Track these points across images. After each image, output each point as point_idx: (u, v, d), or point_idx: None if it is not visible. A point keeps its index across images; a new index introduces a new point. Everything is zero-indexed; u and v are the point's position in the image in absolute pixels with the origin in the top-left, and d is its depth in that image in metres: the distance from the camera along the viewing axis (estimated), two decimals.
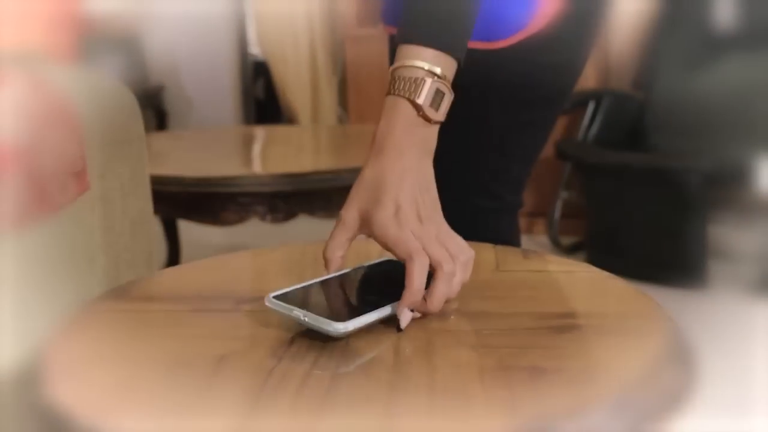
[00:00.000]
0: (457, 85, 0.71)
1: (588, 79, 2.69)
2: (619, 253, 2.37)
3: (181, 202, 1.63)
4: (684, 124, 2.56)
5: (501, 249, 0.81)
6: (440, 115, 0.69)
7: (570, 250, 2.60)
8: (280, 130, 2.42)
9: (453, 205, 0.71)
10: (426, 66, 0.68)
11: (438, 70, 0.68)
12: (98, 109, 1.06)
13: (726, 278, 2.19)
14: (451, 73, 0.70)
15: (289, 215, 1.69)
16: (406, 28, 0.71)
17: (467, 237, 0.68)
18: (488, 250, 0.80)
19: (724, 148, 2.37)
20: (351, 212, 0.68)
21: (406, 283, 0.61)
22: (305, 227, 1.90)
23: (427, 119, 0.69)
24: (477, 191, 1.02)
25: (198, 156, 1.91)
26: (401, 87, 0.68)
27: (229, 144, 2.18)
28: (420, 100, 0.68)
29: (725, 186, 2.25)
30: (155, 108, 3.53)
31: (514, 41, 0.93)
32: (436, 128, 0.70)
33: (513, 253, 0.80)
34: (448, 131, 0.72)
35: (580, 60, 1.01)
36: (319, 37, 3.53)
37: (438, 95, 0.69)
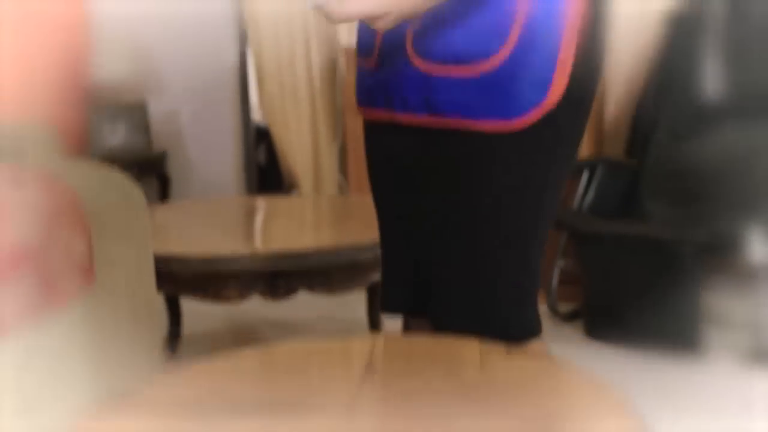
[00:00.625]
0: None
1: (582, 147, 2.75)
2: (615, 320, 2.40)
3: (184, 280, 1.67)
4: (677, 193, 2.61)
5: (485, 347, 0.85)
6: None
7: (568, 318, 2.63)
8: (281, 202, 2.47)
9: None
10: None
11: None
12: (106, 203, 1.11)
13: (720, 347, 2.22)
14: None
15: (290, 291, 1.73)
16: None
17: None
18: (473, 348, 0.84)
19: (717, 217, 2.42)
20: None
21: None
22: (305, 303, 1.94)
23: None
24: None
25: (200, 232, 1.95)
26: None
27: (231, 217, 2.23)
28: None
29: (718, 255, 2.29)
30: (158, 174, 3.59)
31: (531, 120, 0.97)
32: None
33: (497, 351, 0.84)
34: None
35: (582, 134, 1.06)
36: (321, 105, 3.61)
37: None
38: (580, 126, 1.05)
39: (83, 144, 3.36)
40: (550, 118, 0.97)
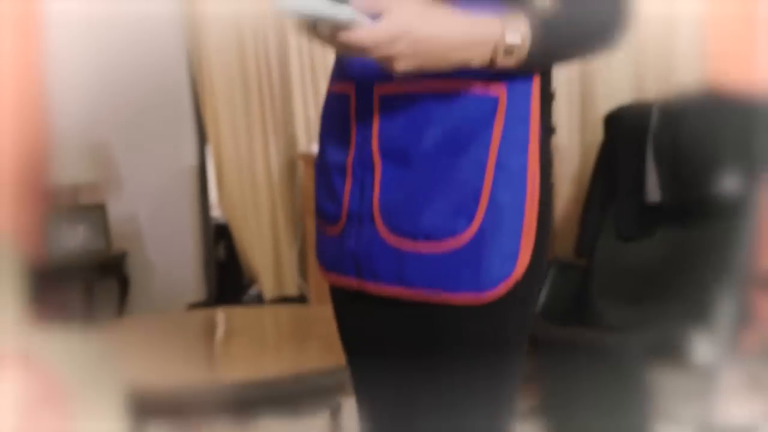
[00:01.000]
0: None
1: None
2: (567, 421, 2.46)
3: (146, 410, 1.69)
4: (625, 293, 2.72)
5: None
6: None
7: (528, 413, 2.68)
8: (240, 315, 2.51)
9: None
10: None
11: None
12: (81, 371, 1.14)
13: None
14: None
15: (253, 416, 1.76)
16: None
17: None
18: None
19: (663, 318, 2.52)
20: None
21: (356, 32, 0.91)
22: (269, 427, 1.96)
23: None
24: None
25: (160, 356, 1.97)
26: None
27: (190, 337, 2.25)
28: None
29: (665, 356, 2.39)
30: (117, 275, 3.59)
31: (501, 292, 1.02)
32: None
33: None
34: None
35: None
36: (280, 205, 3.68)
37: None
38: (540, 286, 1.11)
39: (41, 246, 3.37)
40: (517, 288, 1.02)
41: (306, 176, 3.47)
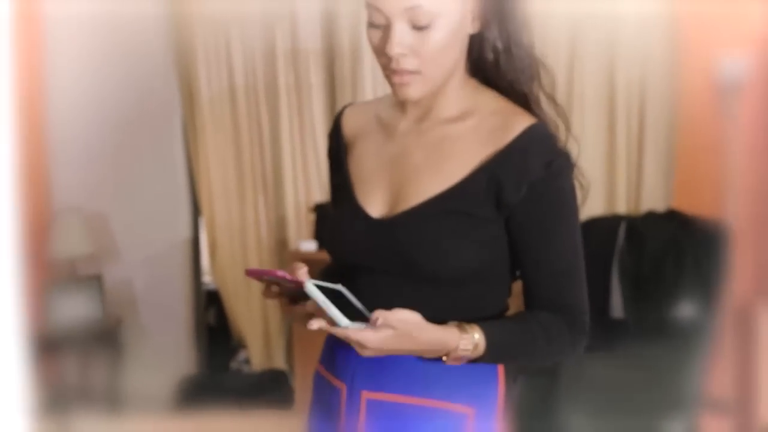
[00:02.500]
0: None
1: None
2: None
3: None
4: (592, 404, 2.91)
5: None
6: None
7: None
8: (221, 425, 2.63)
9: None
10: None
11: None
12: None
13: None
14: None
15: None
16: None
17: None
18: None
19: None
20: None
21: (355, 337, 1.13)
22: None
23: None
24: None
25: None
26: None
27: None
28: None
29: None
30: (112, 343, 3.76)
31: None
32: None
33: None
34: None
35: None
36: None
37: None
38: None
39: (40, 316, 3.54)
40: None
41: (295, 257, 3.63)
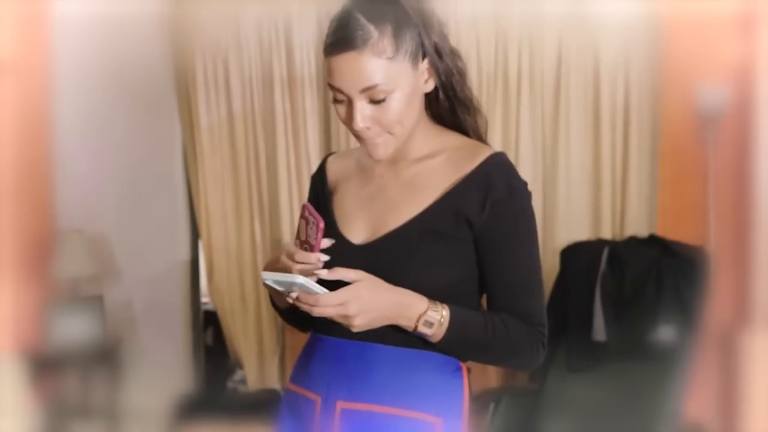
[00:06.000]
0: None
1: (490, 378, 3.12)
2: None
3: None
4: (574, 421, 2.99)
5: None
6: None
7: None
8: None
9: None
10: None
11: None
12: None
13: None
14: None
15: None
16: None
17: None
18: None
19: None
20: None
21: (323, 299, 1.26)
22: None
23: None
24: None
25: None
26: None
27: None
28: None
29: None
30: (112, 362, 3.86)
31: None
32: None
33: None
34: None
35: None
36: (264, 300, 3.95)
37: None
38: None
39: (41, 336, 3.63)
40: None
41: None
